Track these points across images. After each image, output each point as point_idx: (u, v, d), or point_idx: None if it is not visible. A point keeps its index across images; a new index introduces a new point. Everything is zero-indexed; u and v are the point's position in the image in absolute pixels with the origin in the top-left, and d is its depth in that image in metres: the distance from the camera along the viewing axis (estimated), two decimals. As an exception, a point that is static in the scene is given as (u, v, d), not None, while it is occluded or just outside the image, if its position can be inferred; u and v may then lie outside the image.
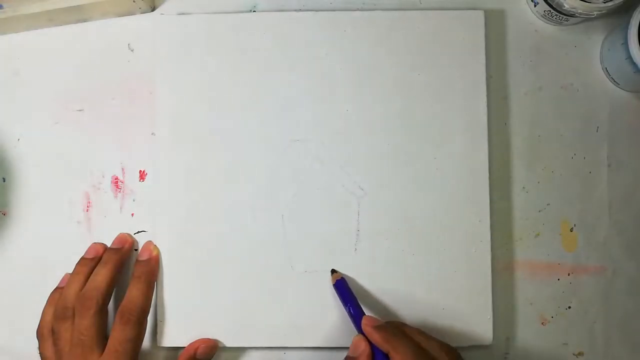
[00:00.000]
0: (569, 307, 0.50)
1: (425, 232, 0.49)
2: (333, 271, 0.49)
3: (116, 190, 0.51)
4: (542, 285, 0.50)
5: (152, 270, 0.49)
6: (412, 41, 0.50)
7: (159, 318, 0.49)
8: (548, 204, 0.51)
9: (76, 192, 0.51)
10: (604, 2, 0.47)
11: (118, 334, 0.46)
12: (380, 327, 0.44)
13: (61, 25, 0.52)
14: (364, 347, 0.44)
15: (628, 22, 0.46)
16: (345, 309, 0.46)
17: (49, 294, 0.49)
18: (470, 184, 0.49)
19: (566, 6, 0.47)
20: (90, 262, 0.49)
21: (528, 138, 0.51)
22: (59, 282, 0.50)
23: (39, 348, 0.48)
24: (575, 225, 0.51)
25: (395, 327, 0.45)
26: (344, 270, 0.49)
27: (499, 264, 0.50)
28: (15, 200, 0.51)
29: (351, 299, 0.46)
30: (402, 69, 0.50)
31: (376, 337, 0.44)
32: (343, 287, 0.47)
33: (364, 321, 0.45)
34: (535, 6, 0.51)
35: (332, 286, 0.48)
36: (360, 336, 0.45)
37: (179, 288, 0.49)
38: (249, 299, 0.49)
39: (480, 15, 0.50)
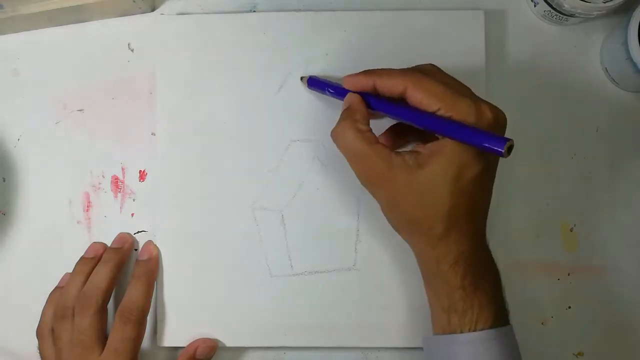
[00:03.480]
0: (569, 307, 0.50)
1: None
2: (301, 78, 0.49)
3: (116, 190, 0.51)
4: (542, 285, 0.50)
5: (152, 270, 0.49)
6: (412, 41, 0.50)
7: (159, 318, 0.49)
8: (548, 204, 0.51)
9: (76, 192, 0.51)
10: (604, 2, 0.47)
11: (118, 333, 0.46)
12: (383, 69, 0.43)
13: (61, 25, 0.52)
14: (353, 96, 0.43)
15: (628, 22, 0.46)
16: (328, 94, 0.47)
17: (49, 294, 0.49)
18: (470, 184, 0.49)
19: (566, 6, 0.47)
20: (90, 262, 0.49)
21: (528, 138, 0.51)
22: (58, 281, 0.50)
23: (39, 347, 0.48)
24: (575, 225, 0.51)
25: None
26: (344, 270, 0.49)
27: (499, 264, 0.50)
28: (15, 200, 0.51)
29: (327, 84, 0.47)
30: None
31: (383, 76, 0.42)
32: (316, 81, 0.48)
33: (351, 76, 0.43)
34: (535, 6, 0.51)
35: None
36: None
37: (179, 288, 0.49)
38: (249, 299, 0.49)
39: (480, 15, 0.50)
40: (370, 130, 0.42)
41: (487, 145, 0.38)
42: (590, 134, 0.51)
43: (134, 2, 0.50)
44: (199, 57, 0.50)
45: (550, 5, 0.49)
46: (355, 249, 0.49)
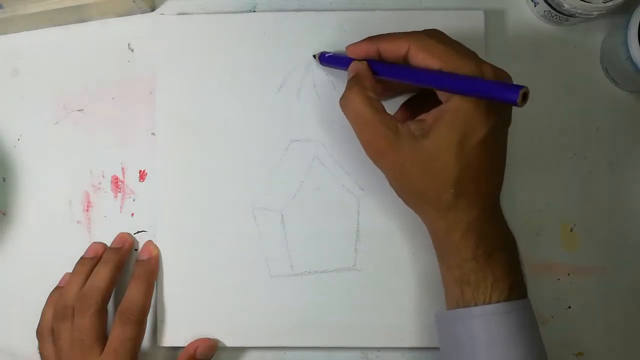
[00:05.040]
0: (569, 307, 0.50)
1: (425, 231, 0.48)
2: (314, 56, 0.49)
3: (116, 190, 0.51)
4: (542, 285, 0.50)
5: (152, 270, 0.49)
6: (412, 41, 0.50)
7: (159, 318, 0.49)
8: (548, 204, 0.51)
9: (76, 192, 0.51)
10: (604, 2, 0.47)
11: (118, 333, 0.46)
12: (385, 34, 0.43)
13: (61, 25, 0.52)
14: (359, 64, 0.43)
15: (628, 22, 0.46)
16: (338, 67, 0.47)
17: (49, 294, 0.49)
18: (470, 184, 0.49)
19: (566, 6, 0.47)
20: (90, 262, 0.49)
21: (528, 138, 0.51)
22: (59, 281, 0.50)
23: (39, 347, 0.48)
24: (575, 225, 0.51)
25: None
26: (344, 270, 0.49)
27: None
28: (15, 200, 0.51)
29: (336, 56, 0.47)
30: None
31: (385, 40, 0.42)
32: (326, 56, 0.48)
33: (354, 44, 0.44)
34: (535, 6, 0.51)
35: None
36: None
37: (179, 288, 0.49)
38: (249, 299, 0.49)
39: (480, 15, 0.50)
40: (378, 99, 0.42)
41: (497, 94, 0.36)
42: (590, 134, 0.51)
43: (134, 2, 0.50)
44: (198, 57, 0.50)
45: (550, 5, 0.49)
46: (355, 249, 0.49)
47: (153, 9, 0.52)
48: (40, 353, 0.48)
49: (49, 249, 0.51)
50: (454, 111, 0.39)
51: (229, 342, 0.49)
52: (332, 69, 0.49)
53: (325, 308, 0.49)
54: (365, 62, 0.43)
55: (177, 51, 0.50)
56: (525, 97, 0.36)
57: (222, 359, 0.50)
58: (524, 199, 0.51)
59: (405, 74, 0.42)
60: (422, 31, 0.42)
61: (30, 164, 0.52)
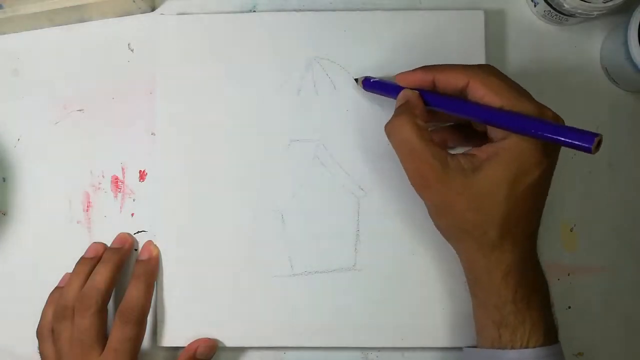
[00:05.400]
0: (569, 307, 0.50)
1: (425, 232, 0.49)
2: (355, 80, 0.48)
3: (116, 190, 0.51)
4: (542, 285, 0.50)
5: (152, 270, 0.49)
6: (412, 41, 0.50)
7: (159, 318, 0.49)
8: (548, 204, 0.51)
9: (76, 192, 0.51)
10: (604, 2, 0.47)
11: (118, 333, 0.46)
12: (442, 65, 0.42)
13: (61, 25, 0.52)
14: (410, 92, 0.42)
15: (628, 22, 0.46)
16: (384, 94, 0.46)
17: (49, 294, 0.49)
18: (470, 184, 0.49)
19: (566, 6, 0.47)
20: (90, 262, 0.49)
21: (528, 138, 0.51)
22: (59, 281, 0.50)
23: (39, 348, 0.48)
24: (575, 225, 0.51)
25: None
26: (344, 270, 0.49)
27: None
28: (15, 200, 0.51)
29: (383, 82, 0.46)
30: (402, 69, 0.50)
31: (443, 71, 0.41)
32: (371, 82, 0.47)
33: (406, 73, 0.43)
34: (535, 6, 0.51)
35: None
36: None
37: (179, 288, 0.49)
38: (249, 299, 0.49)
39: (480, 15, 0.50)
40: (428, 129, 0.41)
41: (572, 140, 0.35)
42: (590, 134, 0.51)
43: (134, 2, 0.50)
44: (198, 57, 0.50)
45: (550, 5, 0.49)
46: (355, 249, 0.49)
47: (153, 9, 0.52)
48: (40, 353, 0.48)
49: (49, 249, 0.51)
50: (510, 150, 0.38)
51: (229, 342, 0.49)
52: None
53: (325, 308, 0.49)
54: (417, 91, 0.42)
55: (177, 51, 0.50)
56: (599, 144, 0.35)
57: (222, 359, 0.50)
58: (524, 199, 0.51)
59: (464, 108, 0.41)
60: (479, 66, 0.42)
61: (30, 164, 0.52)
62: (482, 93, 0.39)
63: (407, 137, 0.40)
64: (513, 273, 0.39)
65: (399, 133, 0.41)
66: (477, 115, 0.40)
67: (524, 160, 0.38)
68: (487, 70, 0.41)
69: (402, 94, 0.43)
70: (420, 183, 0.41)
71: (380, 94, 0.47)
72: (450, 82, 0.41)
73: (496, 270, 0.40)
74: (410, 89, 0.43)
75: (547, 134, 0.36)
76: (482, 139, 0.42)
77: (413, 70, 0.43)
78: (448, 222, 0.42)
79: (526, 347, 0.39)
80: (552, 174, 0.41)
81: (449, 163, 0.39)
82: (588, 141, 0.34)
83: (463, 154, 0.40)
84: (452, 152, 0.41)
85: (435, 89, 0.42)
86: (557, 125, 0.37)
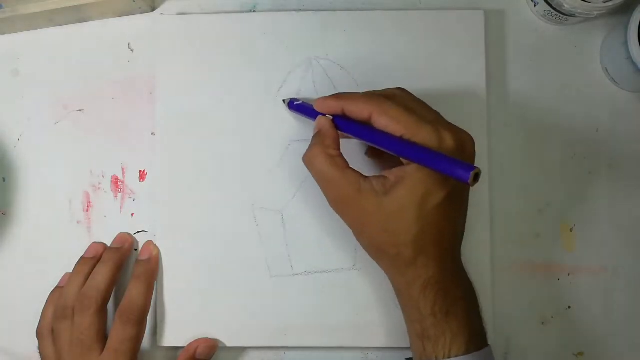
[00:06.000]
0: (569, 307, 0.50)
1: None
2: (283, 101, 0.49)
3: (116, 190, 0.51)
4: (542, 285, 0.50)
5: (152, 270, 0.49)
6: (412, 41, 0.50)
7: (159, 318, 0.49)
8: (548, 204, 0.51)
9: (76, 192, 0.51)
10: (604, 2, 0.47)
11: (118, 333, 0.46)
12: (352, 94, 0.43)
13: (61, 25, 0.52)
14: (324, 120, 0.43)
15: (628, 22, 0.46)
16: (305, 116, 0.47)
17: (49, 294, 0.49)
18: (470, 184, 0.49)
19: (566, 6, 0.47)
20: (90, 262, 0.49)
21: (528, 138, 0.51)
22: (59, 281, 0.50)
23: (39, 347, 0.48)
24: (575, 225, 0.51)
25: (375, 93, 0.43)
26: (344, 270, 0.49)
27: (499, 264, 0.50)
28: (15, 200, 0.51)
29: (303, 106, 0.47)
30: (402, 69, 0.50)
31: (350, 102, 0.42)
32: (294, 104, 0.48)
33: (322, 100, 0.44)
34: (535, 6, 0.51)
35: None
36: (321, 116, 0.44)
37: (179, 288, 0.49)
38: (249, 299, 0.49)
39: (480, 15, 0.50)
40: (341, 154, 0.43)
41: (450, 172, 0.37)
42: (590, 134, 0.51)
43: (134, 2, 0.50)
44: (199, 57, 0.50)
45: (550, 5, 0.49)
46: (355, 249, 0.49)
47: (153, 9, 0.52)
48: (40, 353, 0.48)
49: (49, 249, 0.51)
50: (415, 174, 0.40)
51: (229, 342, 0.49)
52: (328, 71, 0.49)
53: (325, 308, 0.49)
54: (329, 119, 0.44)
55: (177, 51, 0.50)
56: (476, 177, 0.36)
57: (222, 359, 0.50)
58: (524, 199, 0.51)
59: (367, 135, 0.42)
60: (385, 92, 0.43)
61: (30, 164, 0.52)
62: (385, 123, 0.41)
63: (321, 168, 0.43)
64: (431, 287, 0.41)
65: (314, 164, 0.43)
66: (379, 144, 0.42)
67: (428, 183, 0.40)
68: (390, 97, 0.42)
69: (317, 121, 0.45)
70: (338, 207, 0.43)
71: (303, 116, 0.47)
72: (356, 112, 0.42)
73: (414, 286, 0.41)
74: (327, 114, 0.44)
75: (431, 164, 0.38)
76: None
77: (328, 97, 0.44)
78: (365, 241, 0.43)
79: (449, 358, 0.40)
80: (462, 195, 0.42)
81: (361, 187, 0.41)
82: (465, 173, 0.36)
83: (377, 176, 0.42)
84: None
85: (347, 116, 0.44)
86: (438, 156, 0.38)
